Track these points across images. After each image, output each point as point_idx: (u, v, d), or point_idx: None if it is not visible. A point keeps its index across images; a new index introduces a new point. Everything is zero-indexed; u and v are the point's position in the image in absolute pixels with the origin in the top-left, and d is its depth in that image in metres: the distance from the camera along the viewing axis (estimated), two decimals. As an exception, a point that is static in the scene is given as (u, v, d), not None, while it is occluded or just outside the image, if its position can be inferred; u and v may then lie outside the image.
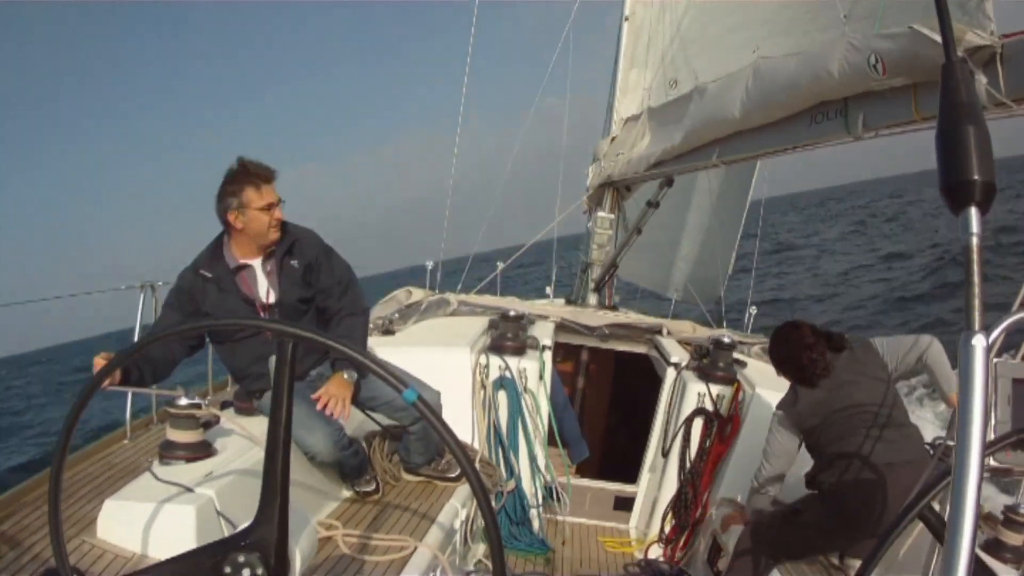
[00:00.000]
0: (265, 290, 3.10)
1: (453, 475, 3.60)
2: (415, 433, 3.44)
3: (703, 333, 5.47)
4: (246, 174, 2.98)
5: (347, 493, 3.45)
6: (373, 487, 3.44)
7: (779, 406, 3.25)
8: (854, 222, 42.80)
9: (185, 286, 3.05)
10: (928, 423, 8.54)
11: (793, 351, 3.18)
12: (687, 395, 4.46)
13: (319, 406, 2.99)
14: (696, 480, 4.33)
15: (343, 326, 3.18)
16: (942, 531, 1.56)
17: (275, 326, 1.36)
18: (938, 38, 2.52)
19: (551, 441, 4.65)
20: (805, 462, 3.25)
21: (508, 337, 4.62)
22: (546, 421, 4.58)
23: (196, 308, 3.03)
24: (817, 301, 20.15)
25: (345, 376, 3.05)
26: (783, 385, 3.33)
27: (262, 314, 3.08)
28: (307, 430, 3.04)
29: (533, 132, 8.68)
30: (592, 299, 6.69)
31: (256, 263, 3.10)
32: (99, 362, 2.60)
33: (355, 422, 3.62)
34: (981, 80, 2.50)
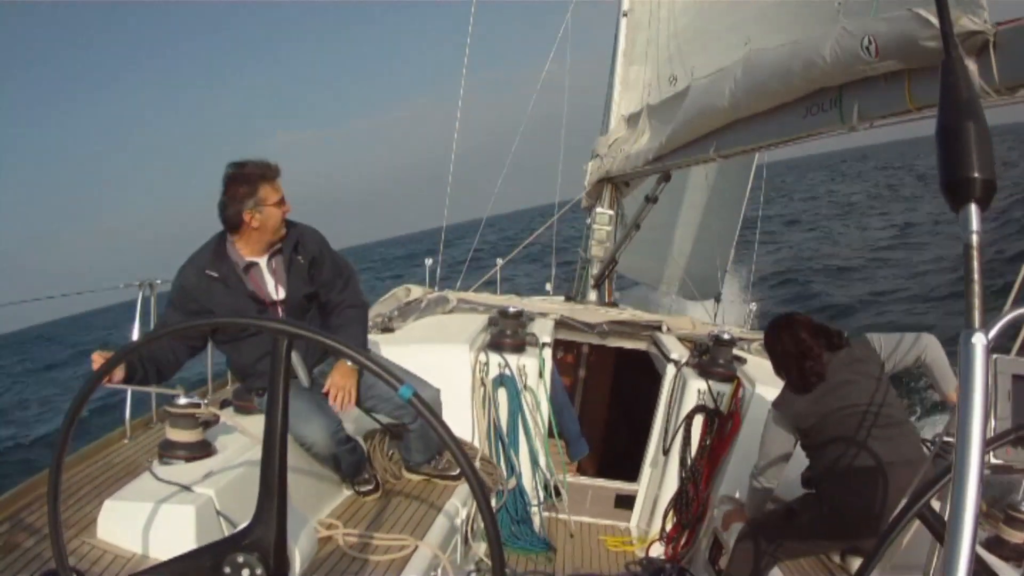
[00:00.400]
0: (272, 287, 3.11)
1: (454, 473, 3.60)
2: (415, 431, 3.44)
3: (703, 329, 5.46)
4: (257, 173, 2.99)
5: (347, 492, 3.45)
6: (372, 486, 3.44)
7: (775, 404, 3.24)
8: (886, 185, 42.21)
9: (188, 286, 3.03)
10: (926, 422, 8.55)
11: (789, 355, 3.16)
12: (687, 392, 4.45)
13: (331, 400, 3.05)
14: (697, 478, 4.32)
15: (344, 317, 3.22)
16: (941, 530, 1.55)
17: (271, 324, 1.35)
18: (934, 19, 2.51)
19: (551, 438, 4.65)
20: (803, 460, 3.25)
21: (507, 334, 4.61)
22: (546, 418, 4.57)
23: (199, 308, 3.01)
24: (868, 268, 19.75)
25: (349, 363, 3.08)
26: (782, 382, 3.32)
27: (269, 311, 3.09)
28: (304, 421, 3.05)
29: (537, 99, 8.71)
30: (592, 296, 6.68)
31: (262, 261, 3.11)
32: (97, 359, 2.58)
33: (354, 420, 3.62)
34: (973, 68, 2.49)
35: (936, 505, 2.30)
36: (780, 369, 3.26)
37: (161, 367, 2.95)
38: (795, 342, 3.14)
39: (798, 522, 3.10)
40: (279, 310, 3.11)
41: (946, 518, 0.86)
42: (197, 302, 3.01)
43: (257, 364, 3.13)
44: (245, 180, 2.97)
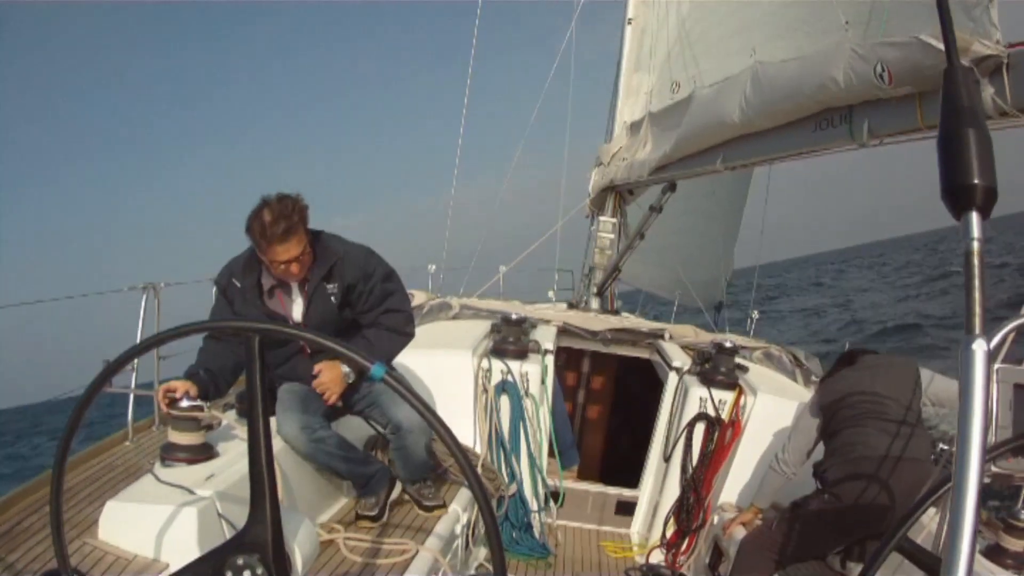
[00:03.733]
0: (300, 310, 3.10)
1: (429, 503, 3.43)
2: (392, 443, 3.32)
3: (705, 337, 5.46)
4: (258, 229, 2.87)
5: (348, 497, 3.44)
6: (374, 513, 3.26)
7: (822, 381, 3.50)
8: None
9: (222, 287, 3.11)
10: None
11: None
12: (689, 400, 4.45)
13: (324, 396, 3.07)
14: (698, 485, 4.32)
15: (373, 331, 3.17)
16: (926, 560, 1.55)
17: (237, 324, 1.35)
18: (943, 47, 2.52)
19: (550, 446, 4.65)
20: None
21: (510, 341, 4.61)
22: (547, 426, 4.57)
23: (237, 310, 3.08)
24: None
25: (344, 369, 3.07)
26: (784, 390, 3.37)
27: None
28: (282, 414, 3.08)
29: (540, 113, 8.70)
30: (594, 303, 6.68)
31: (293, 282, 3.09)
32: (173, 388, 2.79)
33: (355, 428, 3.61)
34: (987, 90, 2.49)
35: (936, 514, 2.31)
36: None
37: (218, 380, 3.00)
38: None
39: (801, 514, 3.12)
40: None
41: (946, 526, 0.86)
42: (232, 304, 3.07)
43: (280, 367, 3.17)
44: (250, 225, 2.90)
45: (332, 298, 3.08)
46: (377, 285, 3.13)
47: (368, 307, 3.15)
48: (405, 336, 3.26)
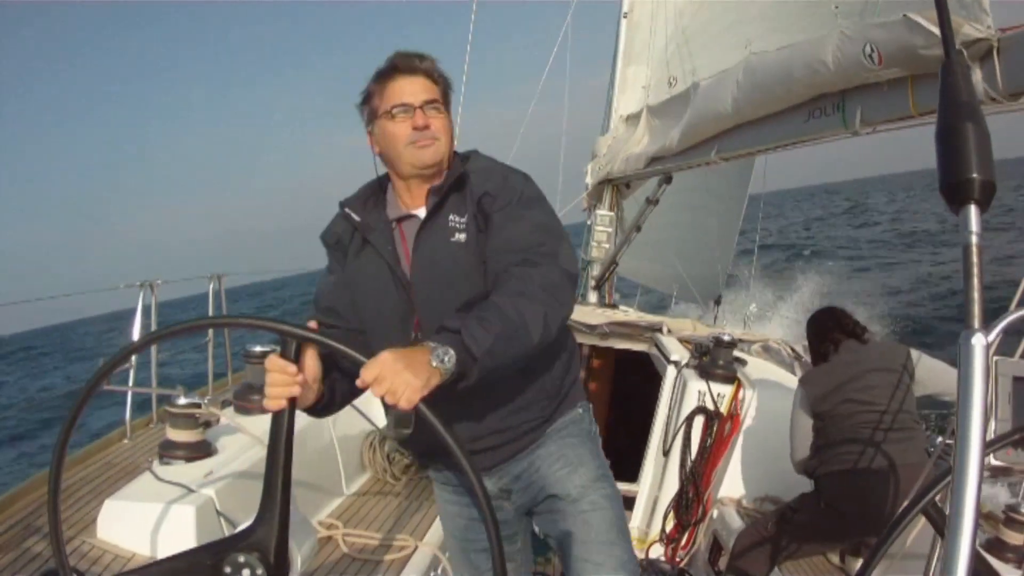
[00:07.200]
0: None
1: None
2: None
3: (703, 331, 5.46)
4: (379, 72, 1.87)
5: (347, 492, 3.45)
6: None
7: (800, 381, 3.33)
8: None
9: (330, 242, 1.96)
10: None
11: (819, 329, 3.33)
12: (687, 393, 4.44)
13: (377, 389, 1.37)
14: (697, 479, 4.32)
15: (514, 275, 1.70)
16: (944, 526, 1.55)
17: (254, 322, 1.32)
18: (933, 28, 2.51)
19: None
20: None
21: (508, 336, 4.59)
22: None
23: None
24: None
25: (433, 361, 1.41)
26: (784, 383, 3.34)
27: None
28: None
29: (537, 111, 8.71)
30: (592, 297, 6.68)
31: (420, 212, 1.90)
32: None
33: (351, 422, 3.61)
34: (977, 74, 2.49)
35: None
36: (812, 344, 3.40)
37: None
38: (823, 321, 3.35)
39: (799, 521, 3.11)
40: (413, 296, 1.87)
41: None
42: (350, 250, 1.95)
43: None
44: (371, 81, 1.89)
45: (458, 234, 1.83)
46: (513, 206, 1.82)
47: (498, 245, 1.79)
48: (558, 278, 1.74)
